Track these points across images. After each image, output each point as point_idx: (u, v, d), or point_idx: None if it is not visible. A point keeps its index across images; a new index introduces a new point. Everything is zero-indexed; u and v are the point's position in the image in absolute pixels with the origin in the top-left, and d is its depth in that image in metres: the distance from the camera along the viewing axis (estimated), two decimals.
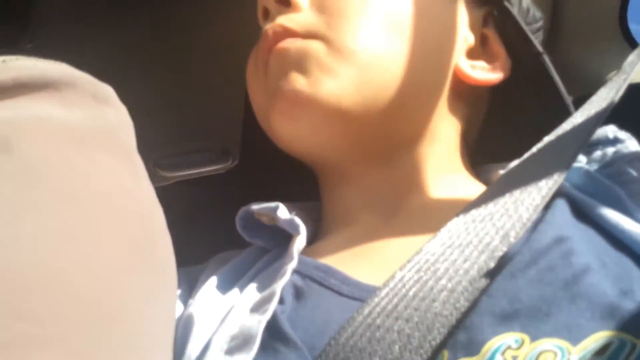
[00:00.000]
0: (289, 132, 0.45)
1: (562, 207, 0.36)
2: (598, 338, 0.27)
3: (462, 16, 0.47)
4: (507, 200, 0.35)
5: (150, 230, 0.29)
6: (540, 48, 0.48)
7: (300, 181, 0.53)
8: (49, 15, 0.53)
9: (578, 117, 0.39)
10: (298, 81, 0.42)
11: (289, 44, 0.43)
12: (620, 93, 0.39)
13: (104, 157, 0.28)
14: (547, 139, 0.39)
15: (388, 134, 0.45)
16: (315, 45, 0.43)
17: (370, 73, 0.42)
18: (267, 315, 0.34)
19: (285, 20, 0.44)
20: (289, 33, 0.44)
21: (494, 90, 0.51)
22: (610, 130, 0.42)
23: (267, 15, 0.47)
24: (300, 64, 0.43)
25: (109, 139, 0.29)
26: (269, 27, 0.45)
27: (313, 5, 0.45)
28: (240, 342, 0.33)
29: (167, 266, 0.30)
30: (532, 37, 0.48)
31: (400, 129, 0.45)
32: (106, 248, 0.25)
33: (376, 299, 0.31)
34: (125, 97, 0.36)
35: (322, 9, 0.44)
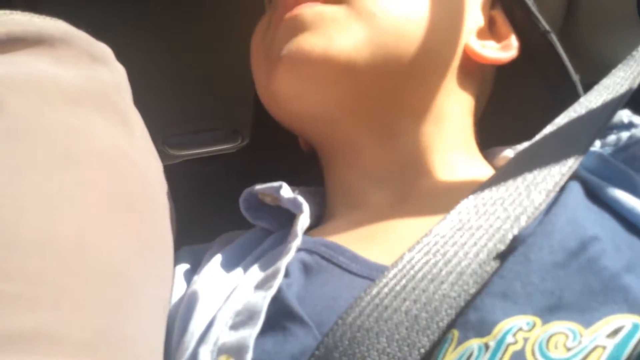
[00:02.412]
0: (292, 91, 0.44)
1: (575, 190, 0.35)
2: (610, 321, 0.27)
3: None
4: (519, 184, 0.34)
5: (144, 193, 0.28)
6: (547, 27, 0.48)
7: (309, 163, 0.53)
8: None
9: (592, 101, 0.39)
10: (308, 41, 0.42)
11: (304, 9, 0.43)
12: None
13: (97, 118, 0.27)
14: (559, 122, 0.39)
15: (396, 101, 0.44)
16: (333, 9, 0.43)
17: (385, 37, 0.42)
18: (272, 292, 0.34)
19: None
20: None
21: (498, 73, 0.51)
22: (625, 115, 0.41)
23: None
24: (313, 25, 0.42)
25: (102, 100, 0.28)
26: None
27: None
28: (245, 318, 0.33)
29: (162, 228, 0.30)
30: (539, 16, 0.48)
31: (408, 99, 0.45)
32: (100, 210, 0.25)
33: (384, 280, 0.31)
34: (137, 76, 0.36)
35: None
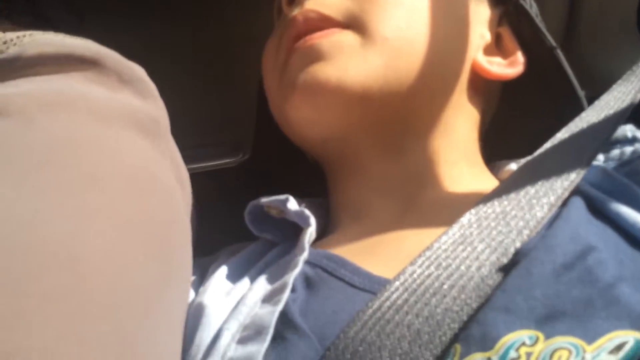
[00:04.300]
0: (306, 119, 0.45)
1: (578, 205, 0.35)
2: (613, 337, 0.27)
3: (481, 14, 0.49)
4: (522, 198, 0.34)
5: (169, 215, 0.28)
6: (553, 42, 0.49)
7: (311, 176, 0.53)
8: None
9: (593, 116, 0.39)
10: (324, 71, 0.42)
11: (320, 38, 0.43)
12: None
13: (126, 139, 0.28)
14: (561, 136, 0.39)
15: (406, 120, 0.45)
16: (348, 37, 0.43)
17: (397, 59, 0.43)
18: (280, 307, 0.34)
19: (316, 4, 0.44)
20: (323, 19, 0.43)
21: (504, 87, 0.52)
22: (628, 130, 0.42)
23: (292, 1, 0.46)
24: (329, 54, 0.43)
25: (132, 121, 0.28)
26: (298, 13, 0.44)
27: None
28: (252, 333, 0.33)
29: (182, 253, 0.30)
30: (545, 32, 0.48)
31: (418, 117, 0.45)
32: (123, 231, 0.25)
33: (386, 293, 0.31)
34: None
35: None
